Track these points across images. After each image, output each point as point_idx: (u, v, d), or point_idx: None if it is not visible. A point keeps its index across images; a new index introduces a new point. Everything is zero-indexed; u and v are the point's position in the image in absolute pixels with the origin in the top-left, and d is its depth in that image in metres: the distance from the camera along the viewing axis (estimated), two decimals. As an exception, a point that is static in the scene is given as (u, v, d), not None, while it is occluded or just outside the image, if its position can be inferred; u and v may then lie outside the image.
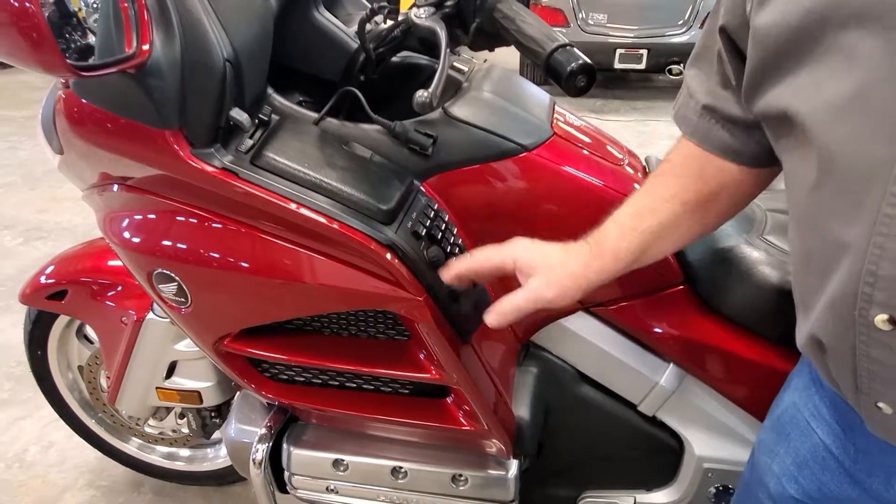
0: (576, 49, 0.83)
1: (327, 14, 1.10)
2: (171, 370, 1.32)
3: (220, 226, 0.91)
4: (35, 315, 1.49)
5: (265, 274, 0.91)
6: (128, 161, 0.89)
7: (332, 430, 1.16)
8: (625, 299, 1.02)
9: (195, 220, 0.92)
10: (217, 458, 1.65)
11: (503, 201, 0.95)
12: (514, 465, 1.09)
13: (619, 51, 5.25)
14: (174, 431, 1.62)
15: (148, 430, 1.63)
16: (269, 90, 0.96)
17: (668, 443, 1.12)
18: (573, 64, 0.81)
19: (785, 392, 0.76)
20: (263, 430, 1.15)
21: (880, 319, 0.52)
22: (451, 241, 0.92)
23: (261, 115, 0.90)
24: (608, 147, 1.06)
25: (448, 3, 0.92)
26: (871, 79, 0.49)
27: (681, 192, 0.76)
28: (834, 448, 0.66)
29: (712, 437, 1.09)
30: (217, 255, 0.91)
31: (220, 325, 1.00)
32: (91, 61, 0.83)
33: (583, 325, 1.05)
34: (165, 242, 0.94)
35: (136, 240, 0.96)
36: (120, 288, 1.34)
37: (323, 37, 1.09)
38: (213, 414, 1.47)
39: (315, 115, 0.93)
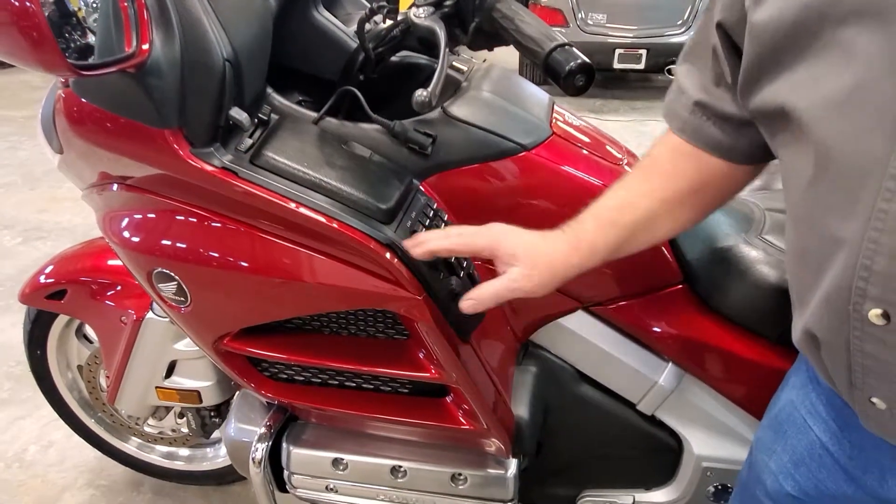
0: (574, 48, 0.83)
1: (326, 14, 1.10)
2: (170, 369, 1.32)
3: (219, 225, 0.91)
4: (34, 314, 1.49)
5: (265, 273, 0.91)
6: (127, 160, 0.89)
7: (332, 429, 1.16)
8: (624, 298, 1.03)
9: (195, 220, 0.92)
10: (217, 457, 1.65)
11: (502, 200, 0.96)
12: (513, 464, 1.09)
13: (618, 51, 5.25)
14: (174, 431, 1.62)
15: (147, 429, 1.63)
16: (269, 90, 0.96)
17: (667, 442, 1.12)
18: (572, 63, 0.81)
19: (782, 390, 0.76)
20: (263, 430, 1.15)
21: (874, 314, 0.52)
22: (451, 240, 0.93)
23: (260, 115, 0.90)
24: (607, 147, 1.06)
25: (447, 3, 0.92)
26: (868, 74, 0.49)
27: (661, 188, 0.76)
28: (830, 445, 0.66)
29: (711, 436, 1.09)
30: (216, 255, 0.92)
31: (219, 324, 1.00)
32: (91, 61, 0.83)
33: (582, 325, 1.06)
34: (165, 242, 0.94)
35: (135, 239, 0.96)
36: (119, 287, 1.34)
37: (322, 36, 1.09)
38: (212, 413, 1.47)
39: (314, 115, 0.93)
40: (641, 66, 5.28)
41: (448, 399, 1.03)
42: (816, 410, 0.68)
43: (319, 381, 1.07)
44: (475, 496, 1.11)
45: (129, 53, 0.77)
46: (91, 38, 0.91)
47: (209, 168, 0.84)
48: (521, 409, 1.06)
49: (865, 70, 0.49)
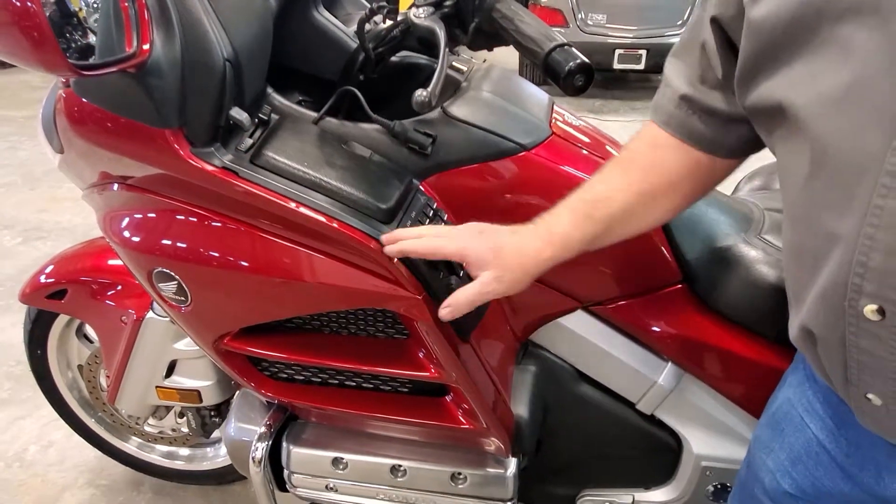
0: (574, 49, 0.84)
1: (327, 14, 1.10)
2: (170, 369, 1.32)
3: (219, 225, 0.91)
4: (35, 314, 1.50)
5: (265, 272, 0.91)
6: (128, 160, 0.90)
7: (332, 428, 1.17)
8: (623, 298, 1.03)
9: (195, 219, 0.92)
10: (217, 457, 1.65)
11: (502, 200, 0.96)
12: (512, 464, 1.09)
13: (618, 51, 5.25)
14: (174, 430, 1.63)
15: (147, 429, 1.63)
16: (269, 90, 0.96)
17: (667, 441, 1.12)
18: (571, 63, 0.81)
19: (780, 389, 0.77)
20: (263, 429, 1.15)
21: (869, 310, 0.52)
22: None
23: (260, 115, 0.90)
24: (607, 147, 1.06)
25: (447, 3, 0.92)
26: (866, 71, 0.49)
27: (638, 182, 0.76)
28: (827, 443, 0.67)
29: (710, 435, 1.09)
30: (217, 254, 0.92)
31: (219, 323, 1.00)
32: (91, 61, 0.83)
33: (581, 324, 1.06)
34: (165, 241, 0.94)
35: (136, 239, 0.96)
36: (120, 287, 1.34)
37: (322, 36, 1.09)
38: (212, 413, 1.47)
39: (314, 115, 0.93)
40: (641, 66, 5.28)
41: (448, 398, 1.03)
42: (813, 408, 0.69)
43: (319, 380, 1.07)
44: (475, 495, 1.11)
45: (130, 53, 0.77)
46: (92, 39, 0.91)
47: (209, 168, 0.84)
48: (520, 408, 1.06)
49: (863, 67, 0.50)
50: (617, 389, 1.10)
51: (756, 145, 0.72)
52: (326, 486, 1.16)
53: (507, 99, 0.99)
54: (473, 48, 0.96)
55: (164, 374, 1.32)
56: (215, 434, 1.55)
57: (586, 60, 0.82)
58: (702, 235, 1.01)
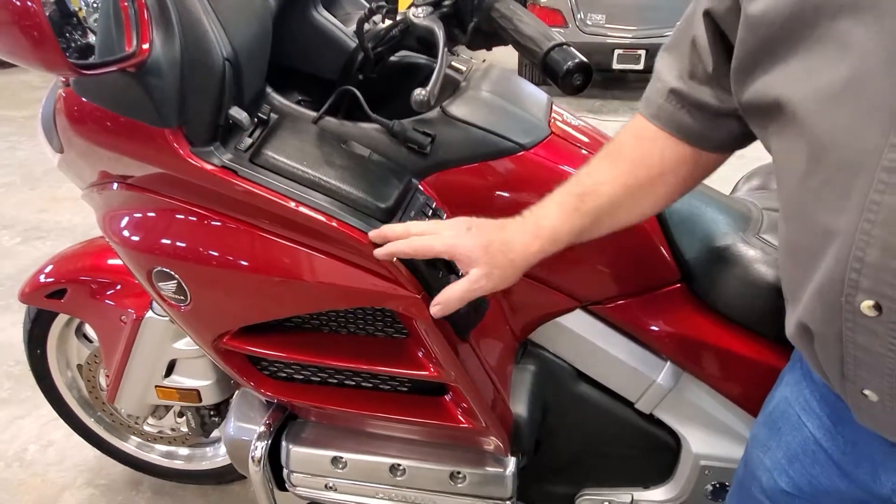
0: (572, 48, 0.84)
1: (326, 13, 1.10)
2: (170, 368, 1.32)
3: (219, 224, 0.92)
4: (34, 314, 1.50)
5: (264, 272, 0.91)
6: (127, 159, 0.90)
7: (331, 427, 1.17)
8: (622, 297, 1.03)
9: (195, 219, 0.92)
10: (216, 456, 1.65)
11: (501, 199, 0.96)
12: (511, 463, 1.10)
13: (617, 51, 5.24)
14: (173, 430, 1.63)
15: (147, 428, 1.63)
16: (268, 89, 0.96)
17: (666, 440, 1.12)
18: (570, 63, 0.81)
19: (777, 387, 0.77)
20: (262, 428, 1.15)
21: (866, 305, 0.53)
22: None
23: (260, 114, 0.90)
24: (605, 146, 1.07)
25: (446, 3, 0.93)
26: (863, 67, 0.50)
27: (625, 175, 0.77)
28: (824, 441, 0.67)
29: (709, 434, 1.09)
30: (216, 253, 0.92)
31: (219, 322, 1.00)
32: (91, 60, 0.83)
33: (580, 324, 1.06)
34: (165, 240, 0.94)
35: (135, 238, 0.96)
36: (119, 286, 1.35)
37: (322, 36, 1.09)
38: (212, 412, 1.47)
39: (314, 114, 0.94)
40: (640, 66, 5.27)
41: (447, 397, 1.03)
42: (810, 407, 0.69)
43: (319, 379, 1.07)
44: (474, 494, 1.11)
45: (130, 53, 0.77)
46: (91, 38, 0.92)
47: (209, 167, 0.84)
48: (519, 407, 1.06)
49: (860, 63, 0.50)
50: (616, 389, 1.10)
51: (744, 140, 0.73)
52: (326, 486, 1.16)
53: (506, 98, 0.99)
54: (472, 48, 0.96)
55: (164, 373, 1.32)
56: (214, 433, 1.55)
57: (585, 60, 0.82)
58: (700, 235, 1.01)
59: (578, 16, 5.33)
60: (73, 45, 0.89)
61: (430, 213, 0.92)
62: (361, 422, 1.13)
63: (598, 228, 0.80)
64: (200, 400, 1.35)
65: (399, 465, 1.12)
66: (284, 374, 1.08)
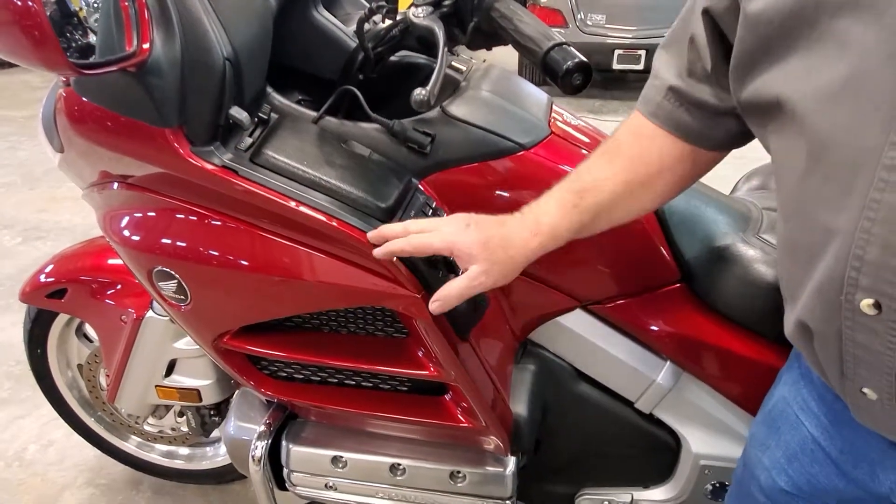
0: (572, 47, 0.84)
1: (326, 13, 1.11)
2: (170, 368, 1.32)
3: (219, 223, 0.92)
4: (35, 313, 1.50)
5: (264, 271, 0.91)
6: (128, 159, 0.90)
7: (331, 427, 1.17)
8: (622, 297, 1.03)
9: (195, 218, 0.93)
10: (216, 456, 1.65)
11: (501, 199, 0.96)
12: (511, 462, 1.10)
13: (617, 51, 5.24)
14: (173, 430, 1.63)
15: (147, 428, 1.63)
16: (269, 89, 0.96)
17: (665, 440, 1.13)
18: (569, 62, 0.81)
19: (775, 387, 0.77)
20: (262, 428, 1.15)
21: (866, 304, 0.53)
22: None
23: (260, 114, 0.90)
24: (605, 146, 1.07)
25: (446, 3, 0.93)
26: (863, 65, 0.50)
27: (624, 172, 0.77)
28: (822, 440, 0.67)
29: (709, 434, 1.09)
30: (217, 253, 0.92)
31: (219, 322, 1.01)
32: (92, 60, 0.84)
33: (580, 323, 1.06)
34: (165, 240, 0.94)
35: (136, 238, 0.96)
36: (119, 286, 1.35)
37: (322, 36, 1.09)
38: (212, 412, 1.47)
39: (314, 114, 0.94)
40: (640, 66, 5.28)
41: (447, 397, 1.03)
42: (808, 406, 0.69)
43: (319, 378, 1.07)
44: (474, 493, 1.11)
45: (130, 52, 0.78)
46: (92, 38, 0.92)
47: (209, 167, 0.85)
48: (519, 407, 1.06)
49: (860, 61, 0.50)
50: (615, 388, 1.10)
51: (743, 139, 0.73)
52: (326, 485, 1.17)
53: (507, 98, 0.99)
54: (472, 48, 0.96)
55: (164, 373, 1.32)
56: (215, 433, 1.55)
57: (584, 59, 0.82)
58: (700, 235, 1.01)
59: (578, 16, 5.33)
60: (73, 44, 0.89)
61: (429, 213, 0.92)
62: (361, 421, 1.13)
63: (597, 225, 0.80)
64: (201, 399, 1.35)
65: (399, 464, 1.12)
66: (284, 374, 1.08)
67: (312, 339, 1.02)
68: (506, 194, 0.96)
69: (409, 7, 0.94)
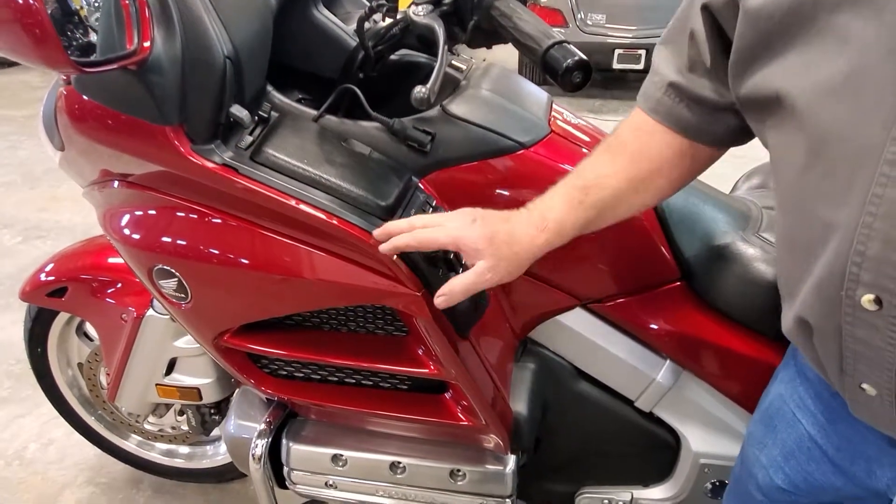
0: (571, 46, 0.84)
1: (326, 12, 1.11)
2: (170, 367, 1.32)
3: (220, 222, 0.92)
4: (35, 312, 1.50)
5: (265, 269, 0.91)
6: (128, 157, 0.90)
7: (331, 425, 1.17)
8: (622, 296, 1.03)
9: (195, 216, 0.93)
10: (216, 454, 1.65)
11: (501, 198, 0.96)
12: (511, 461, 1.10)
13: (617, 51, 5.24)
14: (173, 428, 1.63)
15: (147, 427, 1.63)
16: (269, 87, 0.96)
17: (665, 439, 1.13)
18: (569, 60, 0.81)
19: (771, 385, 0.77)
20: (263, 426, 1.15)
21: (866, 299, 0.53)
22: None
23: (260, 112, 0.90)
24: (605, 145, 1.07)
25: (446, 1, 0.93)
26: (863, 60, 0.50)
27: (627, 168, 0.77)
28: (818, 438, 0.67)
29: (709, 432, 1.09)
30: (217, 251, 0.92)
31: (219, 320, 1.01)
32: (93, 58, 0.84)
33: (580, 322, 1.06)
34: (166, 238, 0.94)
35: (136, 236, 0.96)
36: (120, 285, 1.35)
37: (322, 35, 1.09)
38: (212, 410, 1.47)
39: (314, 113, 0.94)
40: (641, 66, 5.27)
41: (447, 395, 1.03)
42: (805, 404, 0.69)
43: (319, 377, 1.07)
44: (474, 492, 1.11)
45: (131, 51, 0.78)
46: (93, 37, 0.92)
47: (210, 165, 0.85)
48: (519, 405, 1.06)
49: (860, 56, 0.50)
50: (615, 387, 1.10)
51: (743, 135, 0.73)
52: (326, 483, 1.17)
53: (507, 97, 0.99)
54: (472, 46, 0.96)
55: (164, 371, 1.32)
56: (215, 432, 1.56)
57: (584, 57, 0.82)
58: (700, 233, 1.01)
59: (579, 15, 5.33)
60: (74, 42, 0.90)
61: (430, 211, 0.92)
62: (361, 419, 1.13)
63: (601, 221, 0.80)
64: (201, 398, 1.35)
65: (399, 462, 1.12)
66: (285, 372, 1.08)
67: (313, 338, 1.02)
68: (506, 193, 0.96)
69: (410, 5, 0.94)
